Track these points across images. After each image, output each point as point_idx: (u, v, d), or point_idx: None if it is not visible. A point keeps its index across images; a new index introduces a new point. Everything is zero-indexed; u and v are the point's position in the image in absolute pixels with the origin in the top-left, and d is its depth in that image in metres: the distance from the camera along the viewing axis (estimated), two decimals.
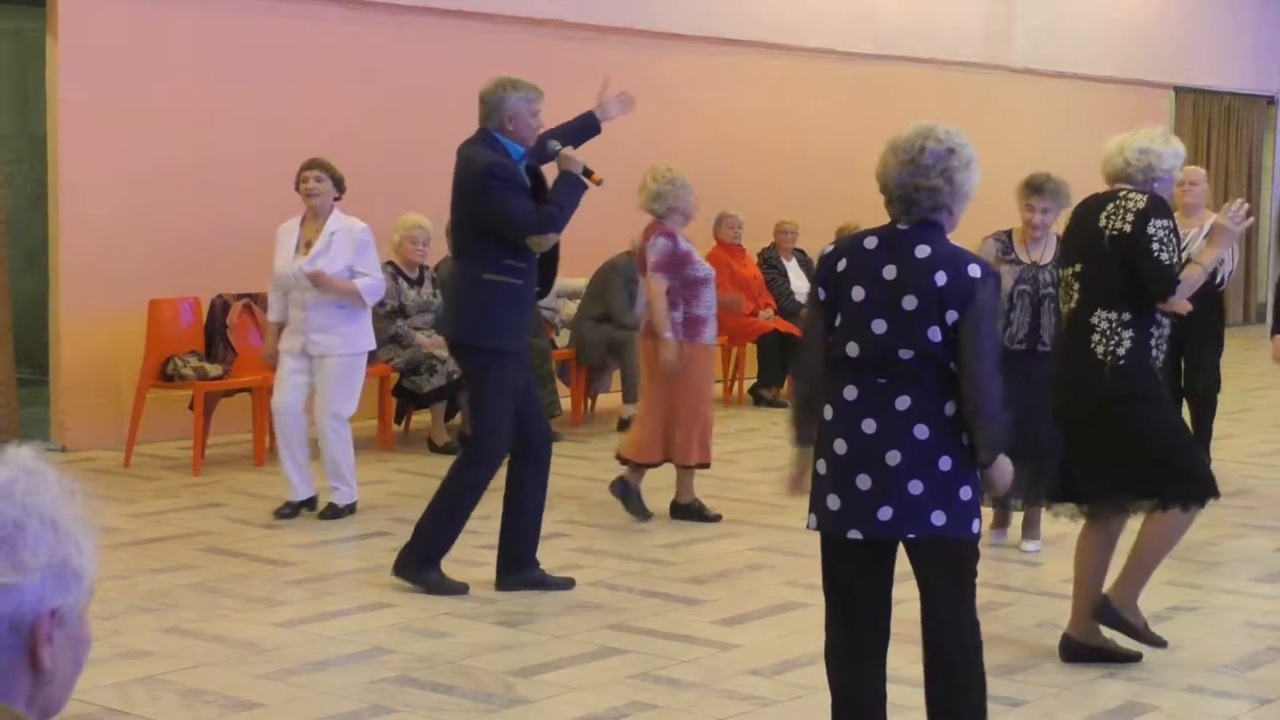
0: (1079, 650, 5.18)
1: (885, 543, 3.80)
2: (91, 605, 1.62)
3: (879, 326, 3.71)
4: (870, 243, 3.82)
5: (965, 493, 3.72)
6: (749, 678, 5.06)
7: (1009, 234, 6.69)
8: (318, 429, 7.22)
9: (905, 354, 3.69)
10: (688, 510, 7.39)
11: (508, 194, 5.72)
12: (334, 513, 7.22)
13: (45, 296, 9.05)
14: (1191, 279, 4.97)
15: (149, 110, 8.97)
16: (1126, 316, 4.91)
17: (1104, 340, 4.92)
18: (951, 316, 3.66)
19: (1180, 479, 5.02)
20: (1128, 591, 5.15)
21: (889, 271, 3.74)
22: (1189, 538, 6.86)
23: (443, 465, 8.70)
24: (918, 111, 14.59)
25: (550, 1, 10.78)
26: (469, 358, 5.96)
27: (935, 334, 3.67)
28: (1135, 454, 4.98)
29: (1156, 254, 4.87)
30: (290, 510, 7.19)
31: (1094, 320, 4.94)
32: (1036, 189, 6.37)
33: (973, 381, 3.66)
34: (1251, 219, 5.41)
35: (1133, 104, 15.03)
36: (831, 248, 3.91)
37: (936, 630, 3.82)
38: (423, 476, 8.37)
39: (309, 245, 7.17)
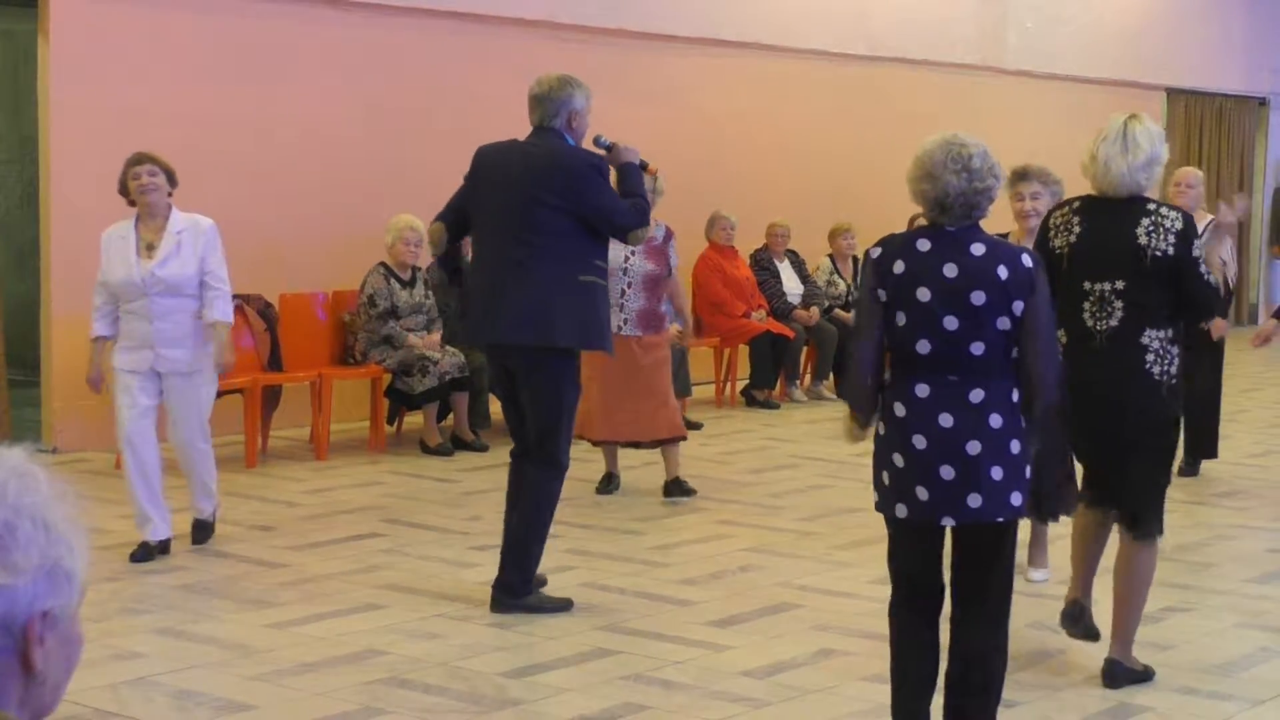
0: (1124, 674, 5.05)
1: (967, 530, 4.04)
2: (83, 607, 1.61)
3: (951, 323, 3.93)
4: (923, 245, 4.01)
5: (1028, 470, 4.02)
6: (742, 679, 5.06)
7: (1005, 237, 6.64)
8: (178, 453, 6.57)
9: (977, 348, 3.94)
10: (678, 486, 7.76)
11: (610, 190, 5.67)
12: (205, 533, 6.69)
13: (36, 297, 9.03)
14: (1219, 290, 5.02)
15: (140, 111, 8.96)
16: (1171, 334, 4.88)
17: (1159, 360, 4.84)
18: (1019, 307, 3.93)
19: (1160, 505, 5.00)
20: (1129, 645, 5.06)
21: (950, 270, 3.95)
22: (1184, 539, 6.89)
23: (435, 466, 8.76)
24: (911, 113, 14.68)
25: (545, 2, 10.77)
26: (552, 362, 5.66)
27: (1004, 323, 3.94)
28: (1156, 476, 4.96)
29: (1207, 276, 4.86)
30: (145, 553, 6.40)
31: (1145, 340, 4.83)
32: (1020, 175, 6.22)
33: (1039, 361, 3.96)
34: (1245, 205, 5.41)
35: (1125, 105, 14.93)
36: (880, 250, 4.06)
37: (983, 618, 4.08)
38: (415, 478, 8.37)
39: (151, 249, 6.42)
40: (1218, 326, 6.96)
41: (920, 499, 3.98)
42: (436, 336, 9.15)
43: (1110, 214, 4.91)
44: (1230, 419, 9.35)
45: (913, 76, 13.51)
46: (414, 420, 9.45)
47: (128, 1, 8.93)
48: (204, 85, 9.25)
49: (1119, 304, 4.84)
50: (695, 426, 9.71)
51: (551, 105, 5.69)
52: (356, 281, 9.22)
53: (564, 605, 5.79)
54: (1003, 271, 3.93)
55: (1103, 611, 5.18)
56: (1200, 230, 7.90)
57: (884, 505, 4.10)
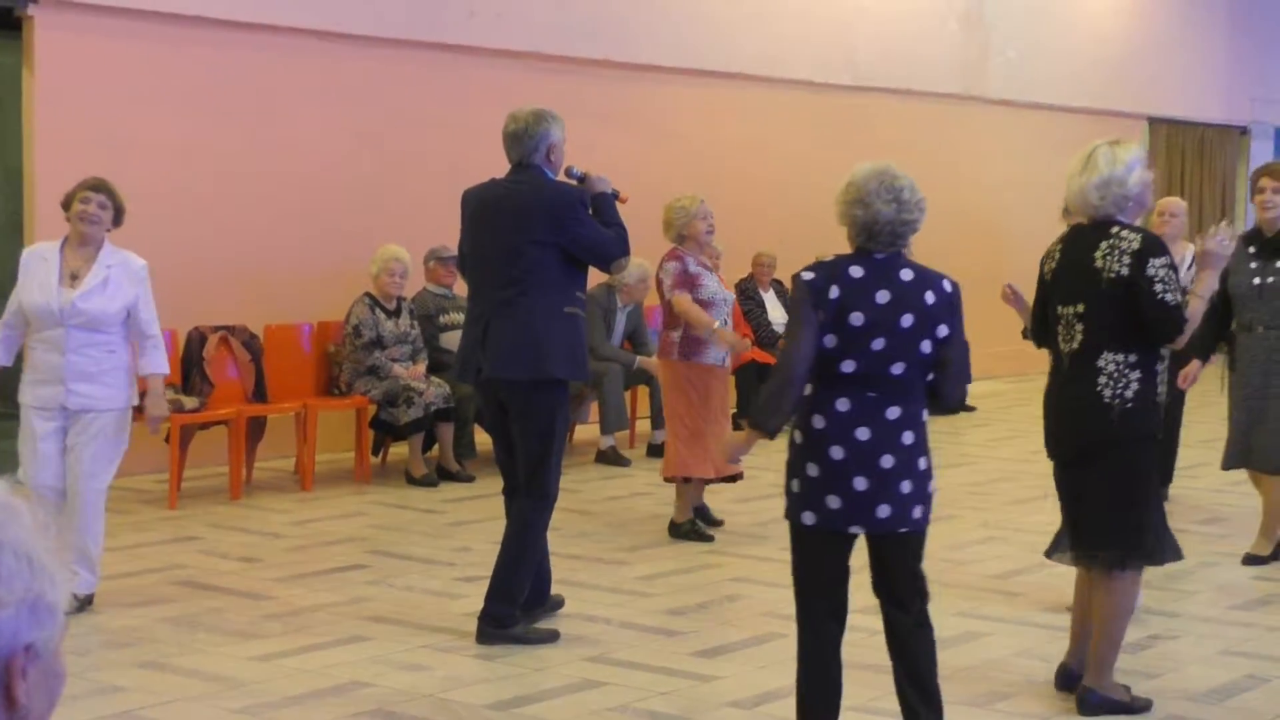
0: (1099, 704, 5.02)
1: (876, 539, 4.27)
2: (66, 640, 1.60)
3: (878, 345, 4.14)
4: (856, 271, 4.21)
5: (932, 486, 4.30)
6: (728, 709, 5.05)
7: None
8: (71, 499, 5.96)
9: (897, 369, 4.16)
10: (679, 529, 7.63)
11: (593, 222, 5.74)
12: (81, 605, 5.96)
13: None
14: (1195, 313, 4.95)
15: (125, 142, 8.96)
16: (1133, 358, 4.86)
17: (1111, 383, 4.86)
18: (942, 330, 4.20)
19: (1143, 533, 4.96)
20: (1104, 675, 5.03)
21: (882, 295, 4.17)
22: (1167, 567, 6.89)
23: (421, 497, 8.75)
24: (895, 142, 14.74)
25: (529, 34, 10.81)
26: (543, 394, 5.69)
27: (926, 347, 4.18)
28: (1126, 499, 4.93)
29: (1161, 295, 4.81)
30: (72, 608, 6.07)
31: (1100, 363, 4.87)
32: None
33: (957, 379, 4.26)
34: (1235, 242, 5.41)
35: (1106, 134, 14.82)
36: (813, 274, 4.21)
37: (901, 603, 4.34)
38: (400, 509, 8.35)
39: (75, 277, 6.00)
40: (1187, 374, 7.01)
41: (830, 507, 4.19)
42: (421, 367, 9.14)
43: (1079, 240, 5.01)
44: (1209, 445, 9.36)
45: (896, 106, 13.58)
46: (399, 451, 9.44)
47: (112, 32, 8.95)
48: (188, 116, 9.26)
49: (1080, 327, 4.94)
50: None
51: (530, 141, 5.74)
52: (341, 312, 9.22)
53: (550, 637, 5.78)
54: (929, 297, 4.19)
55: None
56: (1188, 261, 7.99)
57: (791, 512, 4.28)
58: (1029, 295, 5.31)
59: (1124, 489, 4.93)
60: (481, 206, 5.83)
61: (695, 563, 7.17)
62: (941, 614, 6.25)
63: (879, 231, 4.20)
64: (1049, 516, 6.00)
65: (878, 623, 4.50)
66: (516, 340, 5.65)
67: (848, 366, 4.16)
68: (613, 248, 5.76)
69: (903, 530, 4.23)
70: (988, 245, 13.98)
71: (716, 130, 12.13)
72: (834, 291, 4.15)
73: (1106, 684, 5.03)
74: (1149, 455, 5.02)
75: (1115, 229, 4.92)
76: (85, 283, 5.99)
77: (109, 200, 6.08)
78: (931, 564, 7.07)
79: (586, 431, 10.46)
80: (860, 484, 4.16)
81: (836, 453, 4.16)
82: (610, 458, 9.85)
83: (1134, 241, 4.87)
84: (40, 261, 6.06)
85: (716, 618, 6.22)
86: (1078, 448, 4.97)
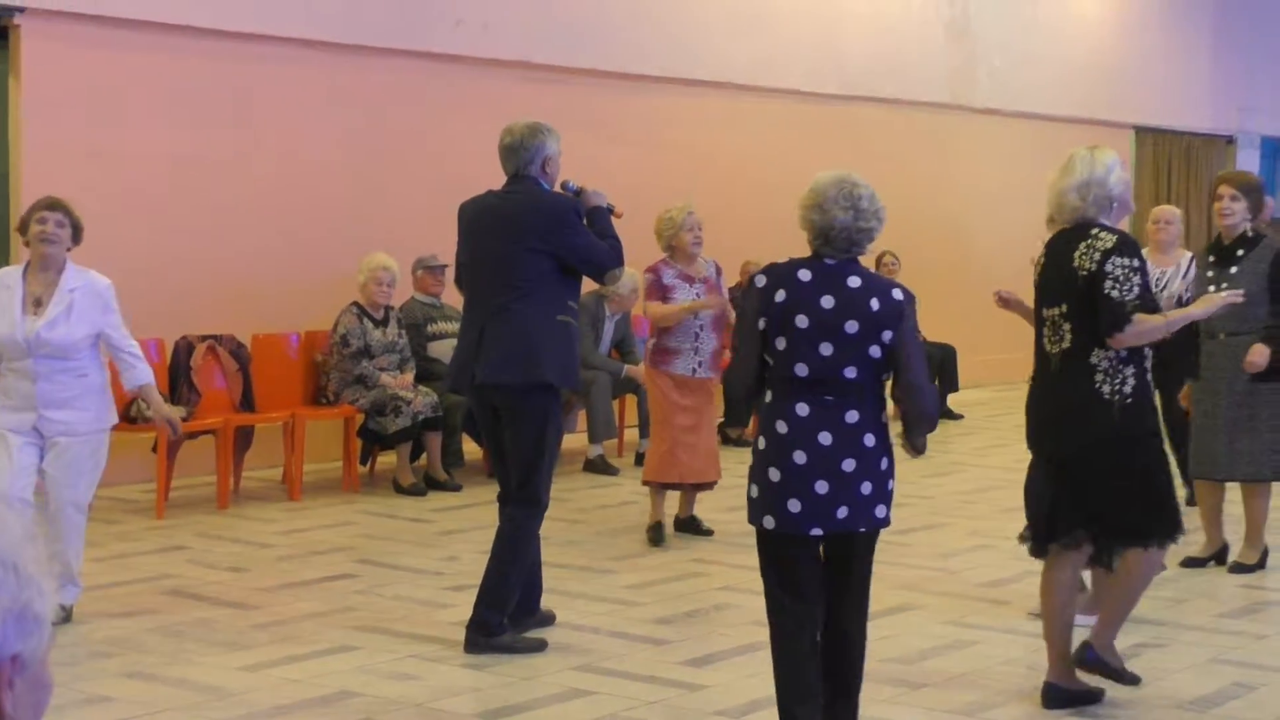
0: (1061, 695, 5.12)
1: (834, 536, 4.37)
2: (53, 650, 1.60)
3: (826, 349, 4.27)
4: (804, 275, 4.35)
5: (892, 484, 4.38)
6: (717, 718, 5.04)
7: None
8: (51, 520, 5.88)
9: (850, 372, 4.27)
10: (653, 530, 7.79)
11: (588, 232, 5.82)
12: (64, 616, 5.93)
13: None
14: (1150, 326, 4.90)
15: (112, 152, 8.95)
16: (1124, 354, 4.92)
17: (1108, 379, 4.90)
18: (888, 336, 4.28)
19: (1164, 515, 5.04)
20: (1108, 634, 5.16)
21: (827, 301, 4.29)
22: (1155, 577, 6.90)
23: (409, 506, 8.73)
24: (884, 151, 14.73)
25: (517, 43, 10.81)
26: (536, 398, 5.73)
27: (875, 352, 4.28)
28: (1140, 493, 4.98)
29: (1108, 291, 4.87)
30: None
31: (1093, 360, 4.91)
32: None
33: (912, 387, 4.34)
34: (1242, 299, 5.45)
35: (1093, 143, 15.15)
36: (765, 279, 4.38)
37: (848, 606, 4.42)
38: (388, 518, 8.34)
39: (39, 304, 5.88)
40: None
41: (790, 511, 4.29)
42: (409, 376, 9.13)
43: (1061, 243, 5.08)
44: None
45: (885, 115, 13.61)
46: (387, 460, 9.43)
47: (99, 41, 8.94)
48: (176, 125, 9.25)
49: (1067, 327, 4.99)
50: None
51: (526, 154, 5.81)
52: (329, 321, 9.21)
53: (538, 646, 5.77)
54: (874, 303, 4.28)
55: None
56: (1185, 267, 8.00)
57: (753, 517, 4.40)
58: (1027, 299, 5.34)
59: (1150, 484, 5.01)
60: (477, 216, 5.90)
61: (684, 571, 7.17)
62: (929, 622, 6.28)
63: (834, 237, 4.32)
64: None
65: (872, 628, 4.51)
66: (510, 345, 5.70)
67: (801, 370, 4.28)
68: (607, 258, 5.85)
69: (862, 530, 4.35)
70: (975, 253, 14.02)
71: (706, 139, 12.14)
72: (780, 295, 4.31)
73: (1105, 646, 5.16)
74: (1159, 448, 5.08)
75: (1095, 230, 4.99)
76: (48, 311, 5.86)
77: (65, 218, 5.96)
78: (920, 572, 7.12)
79: (574, 440, 10.45)
80: (821, 487, 4.26)
81: (799, 457, 4.27)
82: (598, 466, 9.86)
83: (1108, 241, 4.94)
84: (4, 290, 5.91)
85: (705, 626, 6.22)
86: (1079, 446, 4.98)
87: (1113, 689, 5.23)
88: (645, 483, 7.84)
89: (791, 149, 12.73)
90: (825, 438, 4.25)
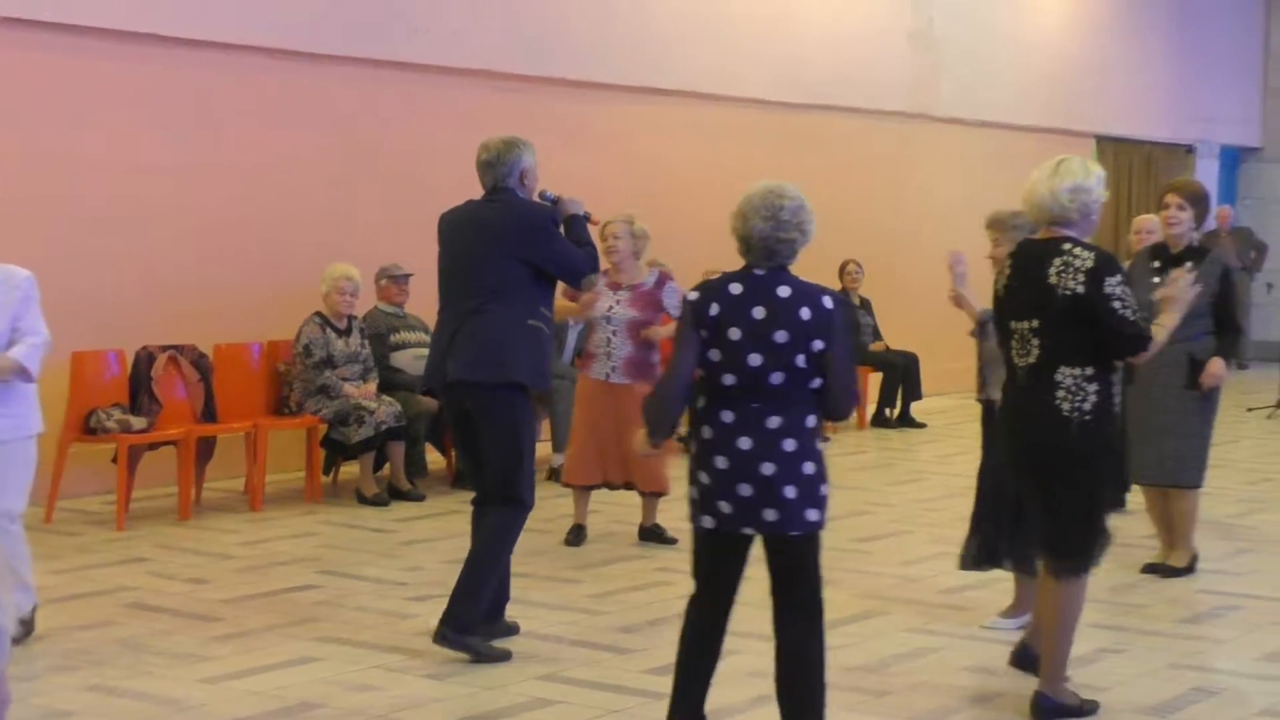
0: (1052, 708, 5.08)
1: (766, 537, 4.44)
2: (11, 664, 1.59)
3: (754, 360, 4.35)
4: (735, 288, 4.43)
5: (824, 489, 4.42)
6: None
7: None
8: None
9: (776, 378, 4.34)
10: (572, 532, 7.95)
11: (564, 240, 5.97)
12: (24, 630, 5.70)
13: None
14: (1159, 343, 5.03)
15: (75, 160, 8.90)
16: (1090, 371, 4.93)
17: (1069, 397, 4.92)
18: (817, 345, 4.35)
19: (1082, 542, 5.03)
20: (1056, 677, 5.10)
21: (758, 312, 4.37)
22: (1113, 580, 6.95)
23: (372, 517, 8.70)
24: (847, 159, 14.71)
25: (482, 52, 10.81)
26: (506, 400, 5.82)
27: (801, 361, 4.35)
28: (1069, 513, 5.00)
29: (1121, 313, 4.89)
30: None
31: (1058, 377, 4.93)
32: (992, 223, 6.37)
33: (831, 392, 4.40)
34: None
35: (1055, 152, 14.85)
36: (698, 295, 4.48)
37: (800, 627, 4.47)
38: (351, 529, 8.31)
39: None
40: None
41: (724, 512, 4.41)
42: (372, 386, 9.11)
43: (1032, 255, 5.07)
44: None
45: (847, 124, 13.66)
46: (350, 470, 9.39)
47: (62, 49, 8.88)
48: (139, 133, 9.20)
49: (1035, 342, 5.00)
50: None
51: (504, 168, 5.94)
52: (292, 331, 9.17)
53: (503, 656, 5.77)
54: (805, 313, 4.36)
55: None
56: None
57: (693, 516, 4.51)
58: (985, 300, 5.37)
59: (1088, 502, 5.02)
60: (454, 225, 6.02)
61: (647, 580, 7.17)
62: (893, 629, 6.30)
63: (754, 246, 4.43)
64: None
65: (834, 636, 4.52)
66: (482, 346, 5.82)
67: (728, 379, 4.37)
68: (583, 264, 6.03)
69: (794, 533, 4.39)
70: (937, 261, 14.04)
71: (669, 148, 12.16)
72: (714, 309, 4.40)
73: (1058, 689, 5.09)
74: (1109, 468, 5.13)
75: (1068, 245, 4.98)
76: None
77: None
78: (883, 580, 7.14)
79: (538, 449, 10.43)
80: (744, 490, 4.36)
81: (721, 462, 4.38)
82: (561, 475, 9.84)
83: (1088, 259, 4.93)
84: None
85: (669, 635, 6.18)
86: (1043, 460, 5.02)
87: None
88: (564, 484, 8.07)
89: (754, 157, 12.74)
90: (744, 442, 4.34)
